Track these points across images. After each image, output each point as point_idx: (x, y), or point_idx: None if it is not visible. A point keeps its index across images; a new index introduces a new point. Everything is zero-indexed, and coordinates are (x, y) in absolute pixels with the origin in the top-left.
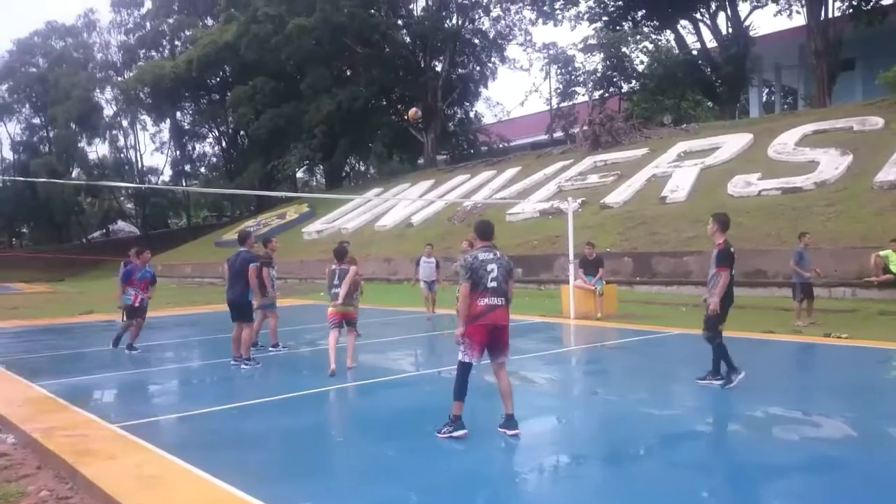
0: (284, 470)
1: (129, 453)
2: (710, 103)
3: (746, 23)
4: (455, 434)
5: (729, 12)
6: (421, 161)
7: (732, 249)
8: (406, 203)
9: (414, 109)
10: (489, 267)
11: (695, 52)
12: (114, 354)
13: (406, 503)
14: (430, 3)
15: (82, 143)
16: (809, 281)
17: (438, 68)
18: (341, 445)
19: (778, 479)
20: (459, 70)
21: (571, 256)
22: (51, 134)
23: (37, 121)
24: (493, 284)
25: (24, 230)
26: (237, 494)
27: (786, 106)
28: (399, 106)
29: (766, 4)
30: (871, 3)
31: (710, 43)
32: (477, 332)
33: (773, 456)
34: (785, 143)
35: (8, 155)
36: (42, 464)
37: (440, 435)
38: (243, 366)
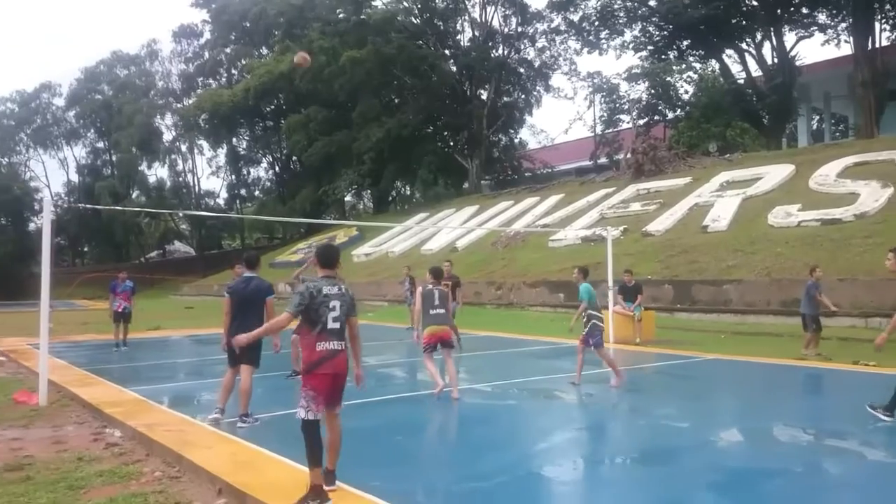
0: (354, 459)
1: (223, 444)
2: (756, 131)
3: (792, 53)
4: None
5: (774, 42)
6: (466, 186)
7: None
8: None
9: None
10: (332, 304)
11: (741, 82)
12: (186, 366)
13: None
14: (476, 34)
15: (143, 167)
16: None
17: (484, 96)
18: (402, 443)
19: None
20: (504, 98)
21: (611, 283)
22: (113, 158)
23: (101, 145)
24: (335, 325)
25: (86, 249)
26: None
27: (838, 134)
28: (445, 133)
29: (813, 35)
30: None
31: (756, 72)
32: (318, 381)
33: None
34: (826, 175)
35: (74, 177)
36: (149, 452)
37: None
38: (241, 424)
